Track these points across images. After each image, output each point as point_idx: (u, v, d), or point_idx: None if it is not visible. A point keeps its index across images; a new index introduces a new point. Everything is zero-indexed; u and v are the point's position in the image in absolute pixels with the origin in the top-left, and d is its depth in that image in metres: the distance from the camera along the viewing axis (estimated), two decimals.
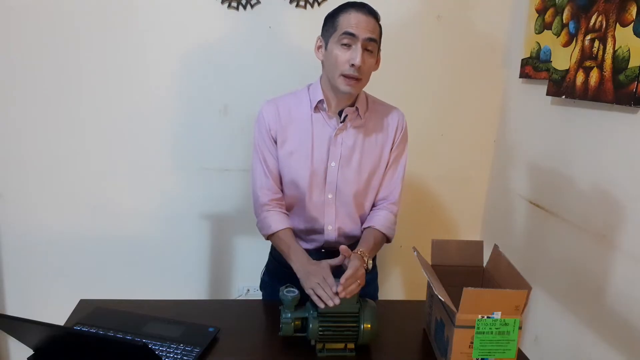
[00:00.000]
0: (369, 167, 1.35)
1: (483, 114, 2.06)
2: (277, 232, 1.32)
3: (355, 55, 1.20)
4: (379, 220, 1.37)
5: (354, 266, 1.15)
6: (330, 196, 1.35)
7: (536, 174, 1.78)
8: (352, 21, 1.21)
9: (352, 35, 1.20)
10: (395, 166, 1.40)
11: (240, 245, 2.06)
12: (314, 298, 1.12)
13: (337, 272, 1.33)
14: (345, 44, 1.21)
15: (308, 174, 1.33)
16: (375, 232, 1.35)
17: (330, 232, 1.38)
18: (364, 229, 1.39)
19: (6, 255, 1.96)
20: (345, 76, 1.22)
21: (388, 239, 1.39)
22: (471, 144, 2.09)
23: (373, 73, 1.33)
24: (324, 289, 1.12)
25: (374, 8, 1.26)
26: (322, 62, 1.31)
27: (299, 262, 1.24)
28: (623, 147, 1.36)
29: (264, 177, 1.36)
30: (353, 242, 1.43)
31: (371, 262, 1.26)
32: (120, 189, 1.95)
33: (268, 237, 1.37)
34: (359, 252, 1.24)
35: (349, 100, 1.32)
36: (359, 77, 1.23)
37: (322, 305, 1.11)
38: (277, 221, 1.34)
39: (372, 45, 1.24)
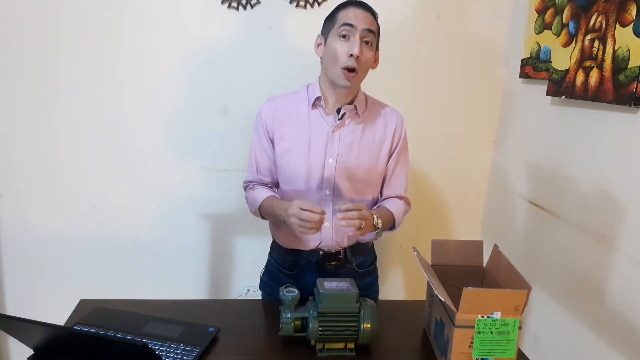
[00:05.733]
0: (367, 165, 1.36)
1: (483, 114, 2.06)
2: (262, 202, 1.35)
3: (354, 45, 1.22)
4: (392, 204, 1.39)
5: (359, 205, 1.19)
6: (327, 193, 1.35)
7: (536, 174, 1.78)
8: (351, 14, 1.25)
9: (350, 25, 1.23)
10: (400, 170, 1.41)
11: (240, 245, 2.06)
12: (297, 226, 1.16)
13: (332, 272, 1.33)
14: (344, 35, 1.24)
15: (305, 170, 1.33)
16: (385, 209, 1.37)
17: (328, 229, 1.37)
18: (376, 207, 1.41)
19: (6, 255, 1.96)
20: (345, 69, 1.24)
21: (394, 225, 1.40)
22: (471, 144, 2.09)
23: (373, 72, 1.33)
24: (300, 212, 1.15)
25: (374, 7, 1.30)
26: (321, 59, 1.33)
27: (282, 208, 1.25)
28: (623, 147, 1.36)
29: (251, 173, 1.43)
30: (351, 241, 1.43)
31: (380, 222, 1.28)
32: (120, 188, 1.95)
33: (259, 213, 1.39)
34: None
35: (347, 97, 1.32)
36: (357, 68, 1.24)
37: (307, 228, 1.15)
38: (260, 193, 1.37)
39: (371, 38, 1.25)
